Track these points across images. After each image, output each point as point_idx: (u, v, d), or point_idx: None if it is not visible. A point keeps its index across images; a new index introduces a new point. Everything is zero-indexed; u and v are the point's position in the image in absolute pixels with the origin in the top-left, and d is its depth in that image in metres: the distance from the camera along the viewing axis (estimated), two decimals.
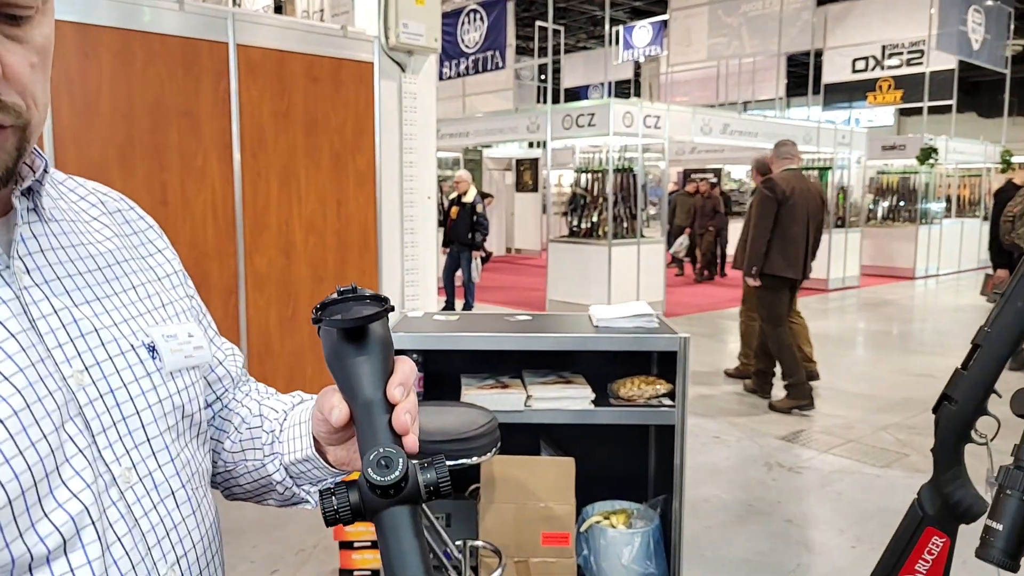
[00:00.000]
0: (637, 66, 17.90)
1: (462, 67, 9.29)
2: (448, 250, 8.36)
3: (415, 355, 2.67)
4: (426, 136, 5.60)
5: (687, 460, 2.63)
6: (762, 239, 5.01)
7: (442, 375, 2.79)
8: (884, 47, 13.53)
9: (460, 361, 2.86)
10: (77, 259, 0.67)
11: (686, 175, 15.03)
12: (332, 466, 0.77)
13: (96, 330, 0.65)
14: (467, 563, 2.53)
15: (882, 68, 13.63)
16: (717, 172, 15.34)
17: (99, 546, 0.59)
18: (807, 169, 11.87)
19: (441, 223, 8.42)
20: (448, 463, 1.94)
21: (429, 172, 5.69)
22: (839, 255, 11.57)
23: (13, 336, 0.58)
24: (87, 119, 4.00)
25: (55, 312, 0.62)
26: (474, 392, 2.60)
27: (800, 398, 5.11)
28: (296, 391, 0.88)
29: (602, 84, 16.43)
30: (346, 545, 2.91)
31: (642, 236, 8.86)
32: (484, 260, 9.38)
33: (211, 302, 4.41)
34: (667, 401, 2.62)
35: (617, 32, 16.23)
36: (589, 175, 9.17)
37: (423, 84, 5.54)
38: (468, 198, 8.12)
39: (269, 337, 4.73)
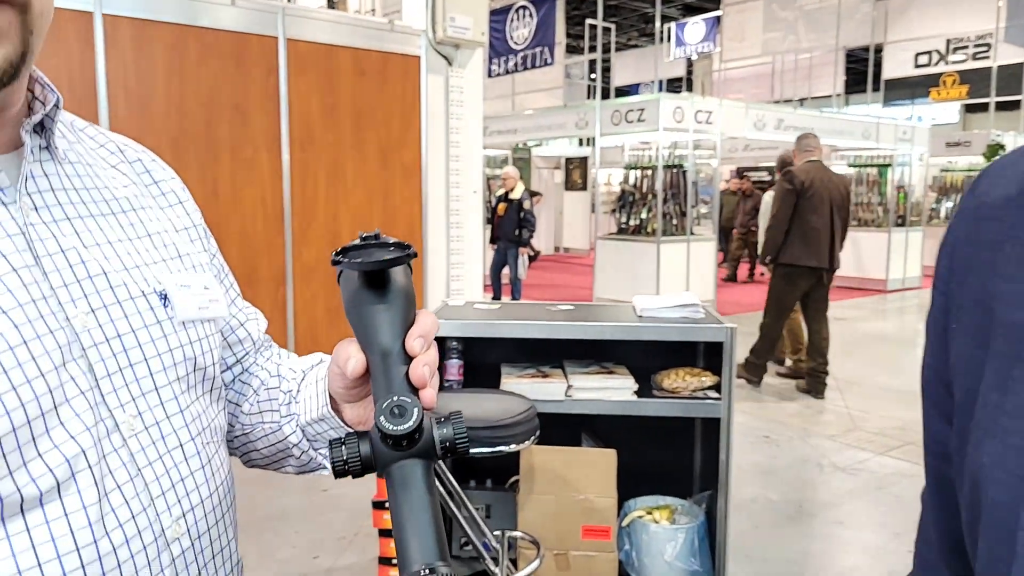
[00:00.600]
0: (689, 63, 17.66)
1: (511, 64, 9.27)
2: (495, 247, 8.35)
3: (455, 342, 2.65)
4: (472, 130, 5.59)
5: (734, 458, 2.55)
6: (779, 229, 5.11)
7: (482, 365, 2.76)
8: (948, 40, 13.07)
9: (501, 350, 2.82)
10: (90, 201, 0.66)
11: (739, 173, 14.73)
12: (348, 426, 0.74)
13: (105, 273, 0.63)
14: (505, 554, 2.49)
15: (946, 63, 13.17)
16: (771, 170, 14.99)
17: (96, 492, 0.57)
18: (865, 166, 11.54)
19: (488, 220, 8.42)
20: (484, 450, 1.87)
21: (475, 166, 5.68)
22: (899, 255, 11.19)
23: (15, 271, 0.56)
24: (142, 112, 4.09)
25: (62, 251, 0.60)
26: (514, 381, 2.57)
27: (752, 374, 5.53)
28: (317, 352, 0.85)
29: (653, 82, 16.23)
30: (386, 533, 2.90)
31: (692, 234, 8.71)
32: (532, 259, 9.36)
33: (259, 293, 4.48)
34: (713, 394, 2.54)
35: (669, 29, 16.03)
36: (638, 172, 9.05)
37: (470, 78, 5.53)
38: (515, 194, 8.09)
39: (316, 328, 4.78)
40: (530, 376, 2.61)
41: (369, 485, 2.98)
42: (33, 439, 0.53)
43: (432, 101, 5.25)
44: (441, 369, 2.73)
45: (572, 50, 18.00)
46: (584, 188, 15.50)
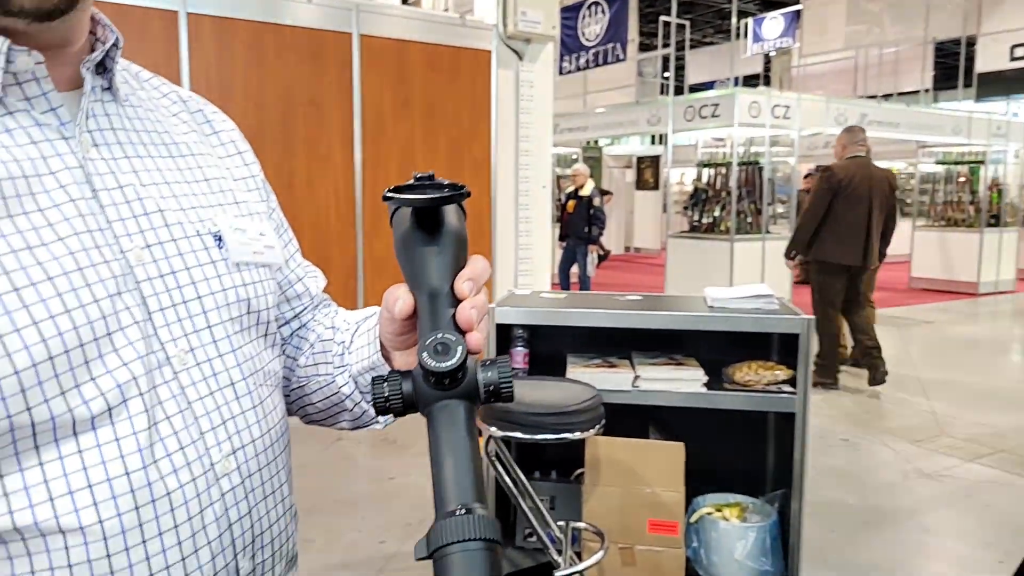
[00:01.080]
0: (766, 60, 17.18)
1: (582, 61, 9.20)
2: (563, 244, 8.30)
3: (520, 330, 2.63)
4: (542, 125, 5.56)
5: (809, 460, 2.44)
6: (809, 226, 5.15)
7: (547, 355, 2.73)
8: None
9: (566, 340, 2.78)
10: (149, 144, 0.67)
11: (819, 171, 14.24)
12: None
13: (161, 211, 0.64)
14: (569, 545, 2.45)
15: None
16: None
17: (146, 419, 0.57)
18: (956, 163, 10.98)
19: (557, 219, 8.38)
20: (549, 437, 1.84)
21: (544, 161, 5.65)
22: (992, 257, 10.60)
23: (73, 201, 0.57)
24: (222, 107, 4.20)
25: (120, 187, 0.61)
26: (579, 370, 2.53)
27: (823, 376, 5.29)
28: (373, 306, 0.84)
29: (728, 79, 15.87)
30: None
31: (767, 232, 8.45)
32: (602, 258, 9.25)
33: (331, 285, 4.53)
34: (787, 388, 2.45)
35: (745, 24, 15.63)
36: (712, 169, 8.85)
37: (540, 73, 5.51)
38: (585, 191, 8.03)
39: None
40: (596, 366, 2.57)
41: None
42: (86, 363, 0.54)
43: (502, 96, 5.25)
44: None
45: (645, 48, 17.76)
46: (655, 187, 15.27)
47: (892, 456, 4.05)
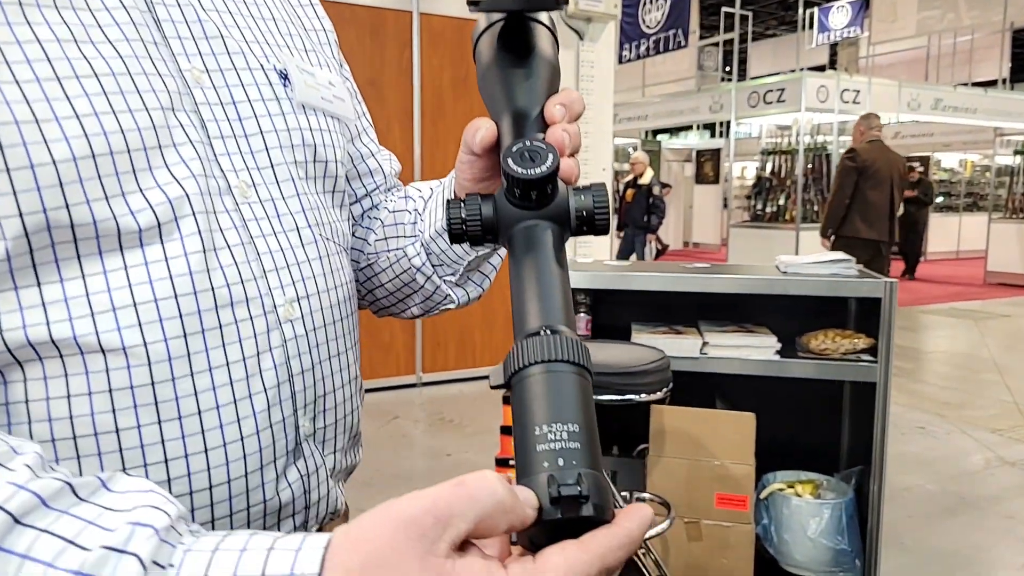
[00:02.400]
0: (833, 51, 16.66)
1: (642, 48, 9.05)
2: (622, 234, 8.18)
3: (582, 295, 2.55)
4: (602, 106, 5.47)
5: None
6: (839, 205, 5.34)
7: (611, 325, 2.65)
8: None
9: (631, 308, 2.69)
10: None
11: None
12: None
13: (223, 37, 0.59)
14: None
15: None
16: (924, 160, 13.86)
17: (199, 241, 0.52)
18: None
19: (615, 209, 8.25)
20: (613, 397, 1.74)
21: (605, 143, 5.56)
22: None
23: (125, 8, 0.52)
24: None
25: (179, 5, 0.57)
26: (645, 336, 2.44)
27: None
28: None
29: (792, 71, 15.47)
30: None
31: None
32: (660, 252, 9.10)
33: None
34: (867, 357, 2.31)
35: (811, 14, 15.19)
36: (777, 156, 8.60)
37: (601, 53, 5.42)
38: (644, 180, 7.89)
39: None
40: (662, 332, 2.48)
41: (492, 451, 2.93)
42: (134, 171, 0.49)
43: (562, 75, 5.17)
44: None
45: (706, 40, 17.44)
46: (715, 181, 14.95)
47: (972, 444, 3.83)
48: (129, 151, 0.49)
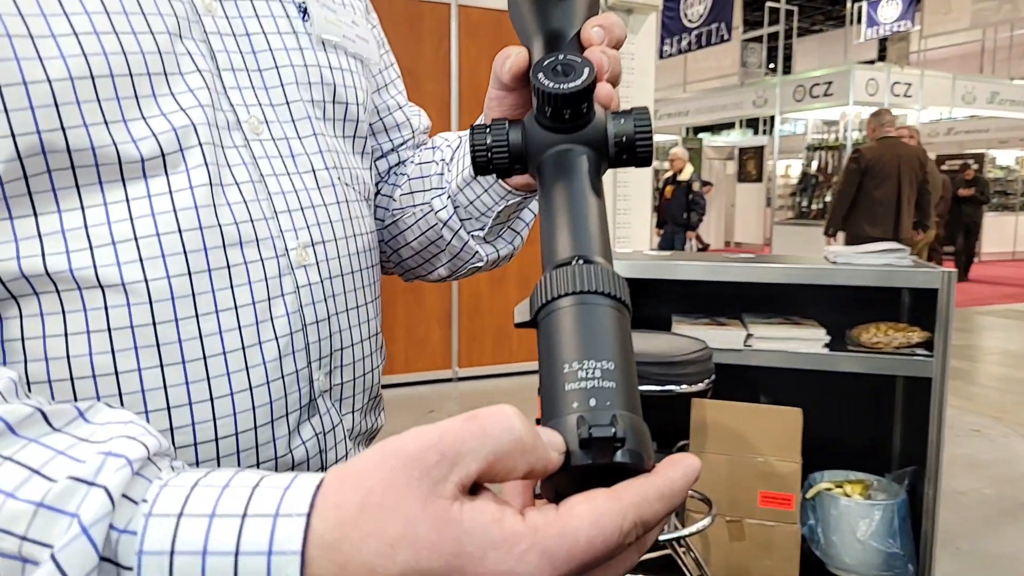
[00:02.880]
0: (882, 46, 16.24)
1: (684, 43, 8.90)
2: (661, 232, 8.05)
3: None
4: (643, 99, 5.37)
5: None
6: (843, 204, 5.43)
7: (651, 317, 2.57)
8: None
9: (672, 299, 2.61)
10: None
11: (939, 162, 13.33)
12: (503, 185, 0.62)
13: None
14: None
15: None
16: (979, 157, 13.37)
17: (205, 174, 0.48)
18: None
19: (655, 207, 8.12)
20: (654, 388, 1.66)
21: None
22: None
23: None
24: None
25: None
26: (686, 328, 2.36)
27: None
28: None
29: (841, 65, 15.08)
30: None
31: None
32: (700, 251, 8.93)
33: None
34: (922, 351, 2.20)
35: (860, 8, 14.82)
36: (823, 152, 8.38)
37: (642, 45, 5.32)
38: (684, 176, 7.76)
39: (479, 297, 4.78)
40: (704, 324, 2.39)
41: None
42: (136, 96, 0.46)
43: None
44: None
45: (750, 35, 17.15)
46: (758, 180, 14.66)
47: None
48: (131, 75, 0.46)
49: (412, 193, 0.70)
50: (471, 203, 0.65)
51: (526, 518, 0.28)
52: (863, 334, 2.28)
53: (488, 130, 0.42)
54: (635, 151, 0.41)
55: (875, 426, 2.56)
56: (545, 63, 0.41)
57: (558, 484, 0.30)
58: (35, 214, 0.44)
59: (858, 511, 2.27)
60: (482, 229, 0.67)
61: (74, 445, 0.32)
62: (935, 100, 8.05)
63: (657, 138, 11.94)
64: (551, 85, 0.39)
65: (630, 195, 5.39)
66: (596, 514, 0.28)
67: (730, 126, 16.66)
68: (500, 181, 0.62)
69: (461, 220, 0.66)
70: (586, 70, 0.40)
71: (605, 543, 0.28)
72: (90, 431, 0.34)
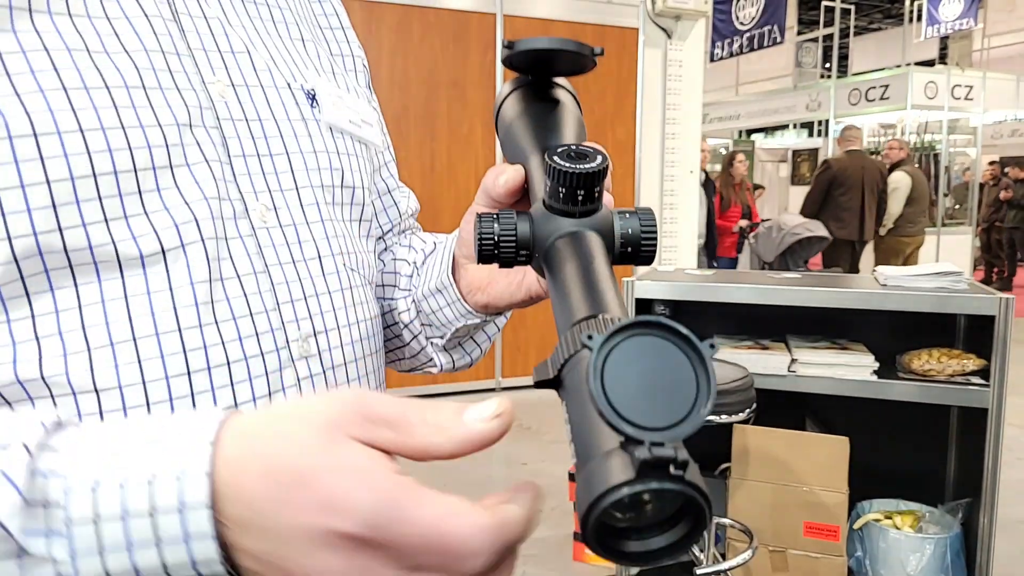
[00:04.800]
0: (942, 45, 15.69)
1: (735, 46, 8.73)
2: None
3: (662, 307, 2.44)
4: (691, 106, 5.30)
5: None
6: (811, 208, 6.05)
7: None
8: None
9: (713, 320, 2.56)
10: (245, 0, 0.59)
11: (1003, 165, 12.81)
12: (464, 301, 0.62)
13: (249, 52, 0.55)
14: (712, 543, 2.24)
15: None
16: None
17: (207, 271, 0.48)
18: None
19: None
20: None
21: (693, 144, 5.38)
22: None
23: (147, 17, 0.49)
24: None
25: (205, 17, 0.53)
26: (728, 351, 2.30)
27: None
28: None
29: (898, 67, 14.64)
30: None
31: (943, 225, 7.67)
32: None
33: None
34: (976, 380, 2.10)
35: (919, 6, 14.35)
36: (879, 156, 8.14)
37: (690, 52, 5.25)
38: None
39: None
40: (747, 347, 2.33)
41: (570, 462, 2.86)
42: (139, 192, 0.45)
43: (649, 75, 5.03)
44: None
45: (804, 36, 16.75)
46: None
47: None
48: (136, 170, 0.45)
49: (383, 287, 0.70)
50: (433, 312, 0.65)
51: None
52: (915, 360, 2.19)
53: (496, 218, 0.42)
54: (640, 250, 0.42)
55: (927, 454, 2.46)
56: (559, 150, 0.41)
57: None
58: (32, 316, 0.44)
59: (909, 545, 2.19)
60: (441, 338, 0.67)
61: None
62: (998, 103, 7.75)
63: (711, 141, 11.76)
64: (568, 166, 0.40)
65: (677, 204, 5.31)
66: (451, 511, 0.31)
67: (783, 127, 16.32)
68: (462, 299, 0.62)
69: (422, 325, 0.67)
70: (599, 156, 0.41)
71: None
72: None
